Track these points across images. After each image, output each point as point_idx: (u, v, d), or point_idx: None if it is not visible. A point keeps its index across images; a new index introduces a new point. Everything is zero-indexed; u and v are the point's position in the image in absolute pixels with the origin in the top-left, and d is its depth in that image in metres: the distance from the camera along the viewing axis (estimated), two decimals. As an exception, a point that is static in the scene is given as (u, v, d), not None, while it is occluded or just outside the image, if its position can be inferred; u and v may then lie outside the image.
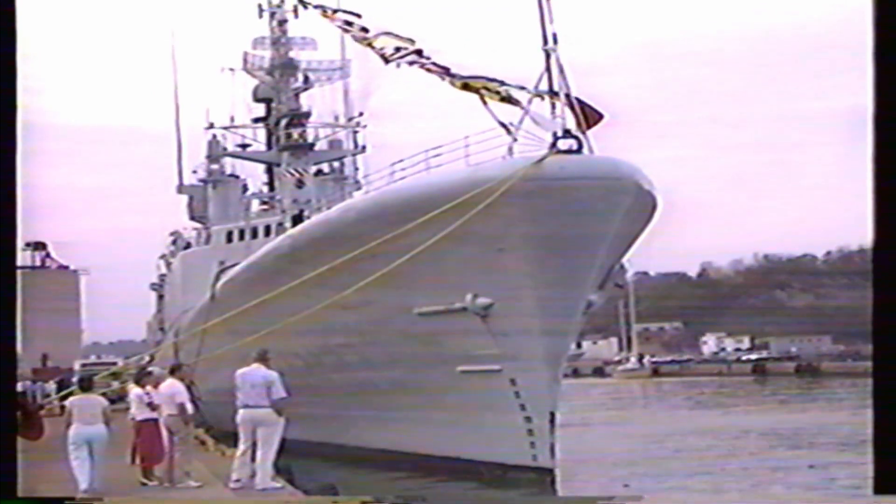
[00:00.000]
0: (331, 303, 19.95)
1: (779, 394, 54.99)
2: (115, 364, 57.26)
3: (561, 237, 17.96)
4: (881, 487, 5.46)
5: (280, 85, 43.82)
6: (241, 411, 12.13)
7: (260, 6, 42.24)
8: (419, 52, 20.00)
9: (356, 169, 42.56)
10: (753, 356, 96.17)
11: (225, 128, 45.43)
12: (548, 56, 17.11)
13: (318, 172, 42.01)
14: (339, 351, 23.26)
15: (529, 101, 17.53)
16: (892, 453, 5.38)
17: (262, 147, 45.44)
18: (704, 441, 27.65)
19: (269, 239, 34.09)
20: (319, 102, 43.89)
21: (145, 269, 56.51)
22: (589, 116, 17.42)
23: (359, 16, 22.15)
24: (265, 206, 43.34)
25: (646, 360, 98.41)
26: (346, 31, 22.77)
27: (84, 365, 54.84)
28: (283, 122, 42.35)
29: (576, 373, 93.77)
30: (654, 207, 19.03)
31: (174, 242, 48.18)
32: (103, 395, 15.88)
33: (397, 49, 20.70)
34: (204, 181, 45.27)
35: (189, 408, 12.83)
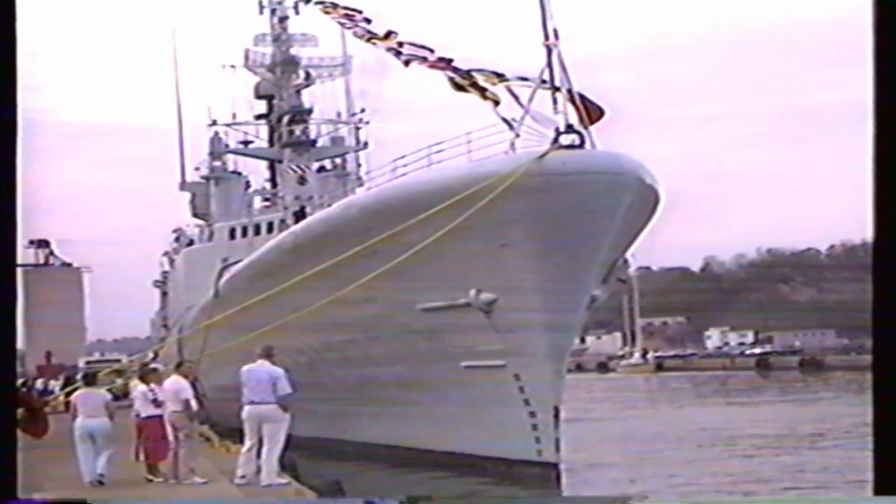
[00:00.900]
0: (334, 299, 20.00)
1: (784, 389, 55.00)
2: (119, 361, 57.48)
3: (564, 232, 17.98)
4: (881, 487, 5.45)
5: (281, 82, 43.85)
6: (246, 407, 12.14)
7: (261, 3, 42.26)
8: (421, 48, 20.03)
9: (358, 165, 42.65)
10: (757, 350, 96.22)
11: (227, 125, 45.46)
12: (549, 52, 17.12)
13: (321, 169, 42.14)
14: (343, 347, 23.30)
15: (531, 97, 17.54)
16: (892, 453, 5.37)
17: (265, 144, 45.46)
18: (708, 436, 27.55)
19: (272, 236, 34.16)
20: (321, 99, 43.95)
21: (148, 266, 56.63)
22: (591, 112, 17.43)
23: (359, 12, 22.20)
24: (267, 203, 43.43)
25: (649, 355, 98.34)
26: (346, 27, 22.81)
27: (88, 362, 54.95)
28: (285, 118, 42.44)
29: (579, 368, 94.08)
30: (656, 202, 19.04)
31: (177, 239, 48.34)
32: (108, 391, 15.98)
33: (399, 45, 20.75)
34: (206, 178, 45.32)
35: (193, 404, 12.86)
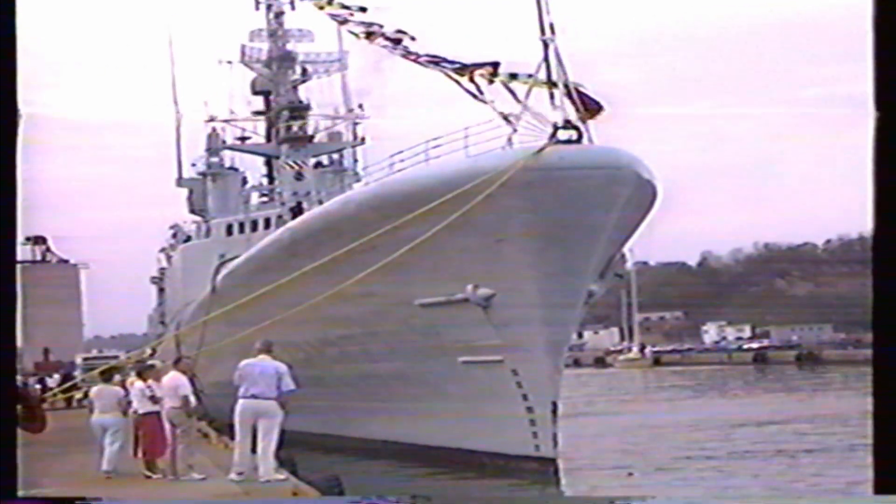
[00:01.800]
0: (331, 294, 20.04)
1: (782, 382, 55.23)
2: (116, 357, 57.55)
3: (561, 227, 18.05)
4: (881, 487, 5.42)
5: (278, 77, 43.94)
6: (242, 402, 12.00)
7: (257, -1, 42.33)
8: (413, 42, 20.15)
9: (355, 161, 42.79)
10: (755, 345, 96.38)
11: (224, 121, 45.43)
12: (546, 46, 17.19)
13: (318, 164, 42.24)
14: (341, 342, 23.40)
15: (528, 92, 17.60)
16: (892, 453, 5.33)
17: (262, 140, 45.49)
18: (704, 431, 27.61)
19: (269, 231, 34.15)
20: (318, 95, 44.03)
21: (145, 263, 56.57)
22: (589, 107, 17.47)
23: (355, 8, 22.21)
24: (265, 199, 43.45)
25: (647, 349, 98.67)
26: (341, 22, 22.83)
27: (86, 359, 55.06)
28: (283, 114, 42.51)
29: (577, 363, 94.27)
30: (654, 197, 19.09)
31: (174, 236, 48.27)
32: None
33: (395, 41, 20.79)
34: (203, 174, 45.26)
35: (192, 400, 12.86)
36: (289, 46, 44.48)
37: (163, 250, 51.98)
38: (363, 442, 23.45)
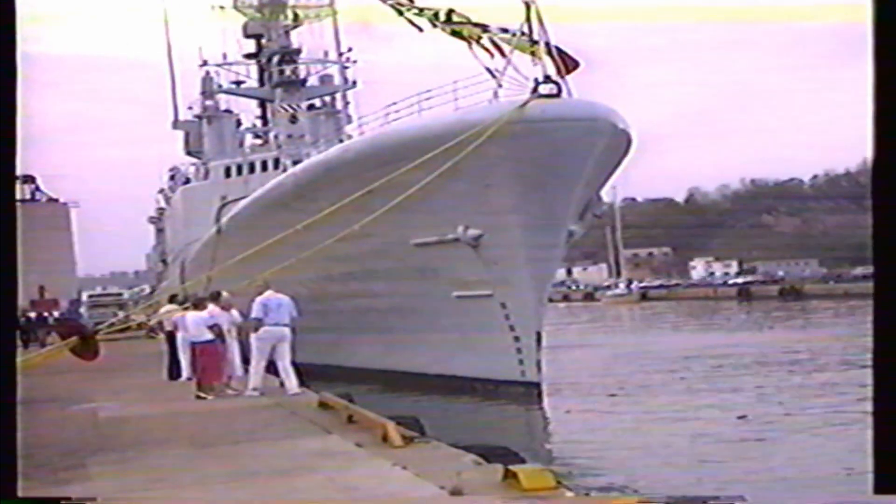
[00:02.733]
0: (332, 235, 21.26)
1: (762, 314, 56.66)
2: (120, 295, 59.05)
3: (542, 174, 19.52)
4: (881, 487, 5.32)
5: (270, 22, 44.65)
6: (268, 328, 13.82)
7: (247, -57, 42.81)
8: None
9: (347, 103, 43.54)
10: (739, 280, 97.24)
11: (218, 65, 46.15)
12: (527, 7, 18.44)
13: (311, 107, 42.98)
14: (342, 279, 24.84)
15: (511, 49, 18.85)
16: (892, 453, 5.25)
17: (255, 83, 46.27)
18: (684, 361, 28.91)
19: (266, 174, 35.38)
20: (309, 39, 44.76)
21: (133, 202, 57.38)
22: (567, 63, 18.83)
23: None
24: (258, 141, 44.43)
25: (634, 285, 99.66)
26: None
27: (91, 296, 56.49)
28: (275, 59, 43.37)
29: (566, 298, 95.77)
30: (628, 144, 20.58)
31: (172, 178, 49.13)
32: (111, 324, 17.56)
33: None
34: (199, 117, 45.94)
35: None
36: (280, -8, 45.17)
37: (161, 191, 52.89)
38: (362, 371, 24.86)
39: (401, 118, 21.63)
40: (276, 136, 40.43)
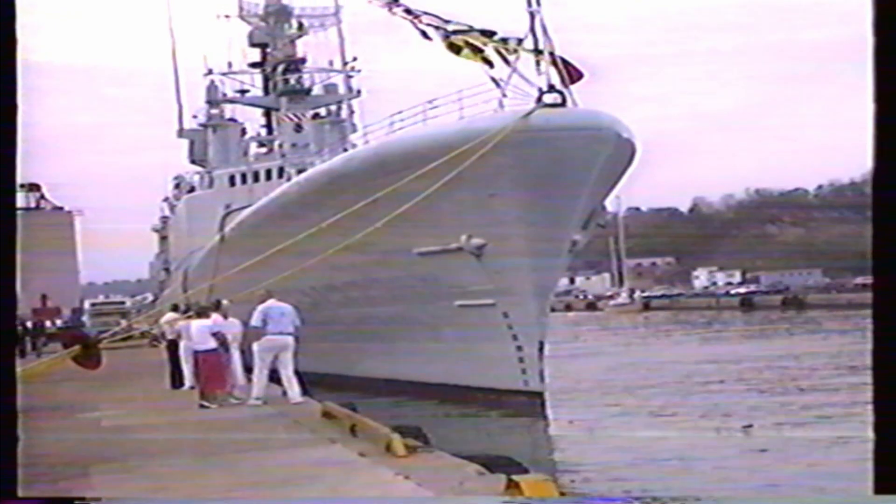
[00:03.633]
0: (336, 244, 21.28)
1: (765, 325, 56.64)
2: (123, 303, 59.08)
3: (547, 183, 19.48)
4: (881, 487, 5.30)
5: (275, 31, 44.88)
6: (271, 337, 13.81)
7: (253, -47, 43.04)
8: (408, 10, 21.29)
9: (351, 112, 43.53)
10: (742, 290, 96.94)
11: (223, 74, 46.33)
12: (532, 17, 18.44)
13: (315, 116, 43.16)
14: (345, 288, 24.87)
15: (516, 59, 18.86)
16: (892, 453, 5.23)
17: (259, 92, 46.45)
18: (685, 370, 29.01)
19: (271, 182, 35.50)
20: (314, 48, 44.94)
21: (137, 210, 57.59)
22: (572, 73, 18.83)
23: None
24: (262, 150, 44.55)
25: (636, 294, 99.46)
26: None
27: (94, 304, 56.48)
28: (280, 67, 43.54)
29: (568, 308, 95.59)
30: (632, 154, 20.57)
31: (177, 186, 49.33)
32: (114, 333, 17.59)
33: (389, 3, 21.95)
34: (204, 125, 46.21)
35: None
36: (285, 0, 45.40)
37: (165, 200, 53.13)
38: (365, 380, 24.95)
39: (405, 127, 21.66)
40: (280, 145, 40.54)
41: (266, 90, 45.78)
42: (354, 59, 43.87)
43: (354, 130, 40.51)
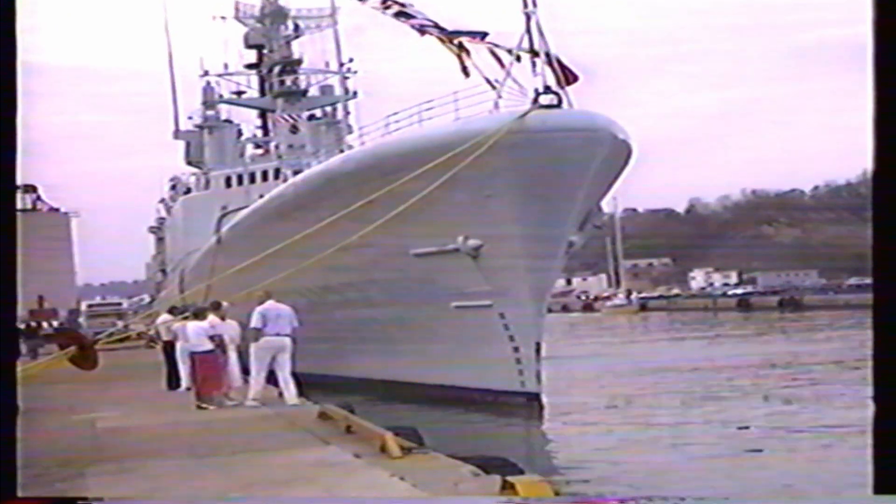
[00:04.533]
0: (332, 245, 21.33)
1: (762, 325, 56.74)
2: (119, 304, 59.07)
3: (543, 184, 19.50)
4: (881, 487, 5.34)
5: (271, 32, 44.94)
6: (268, 338, 13.86)
7: (249, -45, 43.08)
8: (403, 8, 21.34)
9: (347, 113, 43.73)
10: (739, 291, 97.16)
11: (219, 75, 46.41)
12: (528, 18, 18.46)
13: (311, 117, 43.18)
14: (342, 289, 24.85)
15: (511, 62, 18.90)
16: (891, 453, 5.26)
17: (255, 93, 46.49)
18: (682, 371, 29.03)
19: (267, 183, 35.49)
20: (310, 49, 44.98)
21: (134, 212, 57.71)
22: (568, 75, 18.88)
23: None
24: (259, 151, 44.57)
25: (633, 295, 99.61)
26: None
27: (91, 305, 56.49)
28: (276, 69, 43.59)
29: (565, 308, 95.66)
30: (628, 155, 20.59)
31: (173, 187, 49.34)
32: (110, 334, 17.56)
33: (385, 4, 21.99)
34: (200, 127, 46.26)
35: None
36: (281, 2, 45.47)
37: (162, 201, 53.09)
38: (362, 382, 24.76)
39: (401, 128, 21.68)
40: (276, 146, 40.58)
41: (262, 91, 45.84)
42: (351, 60, 44.06)
43: (350, 131, 40.67)
